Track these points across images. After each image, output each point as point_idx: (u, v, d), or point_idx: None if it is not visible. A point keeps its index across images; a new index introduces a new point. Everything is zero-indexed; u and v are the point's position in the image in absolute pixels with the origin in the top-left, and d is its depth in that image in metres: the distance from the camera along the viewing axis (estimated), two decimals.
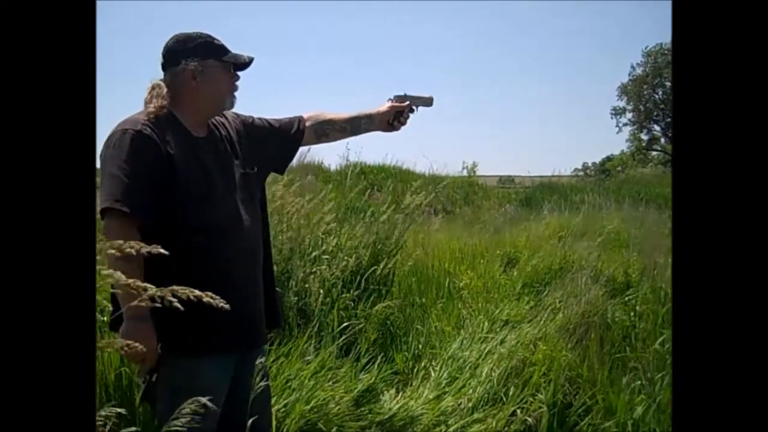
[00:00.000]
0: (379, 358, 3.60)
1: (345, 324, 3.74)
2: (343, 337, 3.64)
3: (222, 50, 2.04)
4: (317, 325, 3.63)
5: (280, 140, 2.29)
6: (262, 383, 2.12)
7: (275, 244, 3.91)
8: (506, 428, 3.10)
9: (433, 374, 3.60)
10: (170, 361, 1.89)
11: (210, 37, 2.04)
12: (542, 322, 4.24)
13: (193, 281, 1.92)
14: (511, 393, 3.27)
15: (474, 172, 19.38)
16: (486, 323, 4.31)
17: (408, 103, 2.45)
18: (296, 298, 3.80)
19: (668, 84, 34.18)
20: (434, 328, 4.23)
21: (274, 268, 3.64)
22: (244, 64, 2.10)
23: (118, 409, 1.45)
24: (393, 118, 2.45)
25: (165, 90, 1.97)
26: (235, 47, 2.09)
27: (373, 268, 4.29)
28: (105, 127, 1.92)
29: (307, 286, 3.90)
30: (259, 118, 2.29)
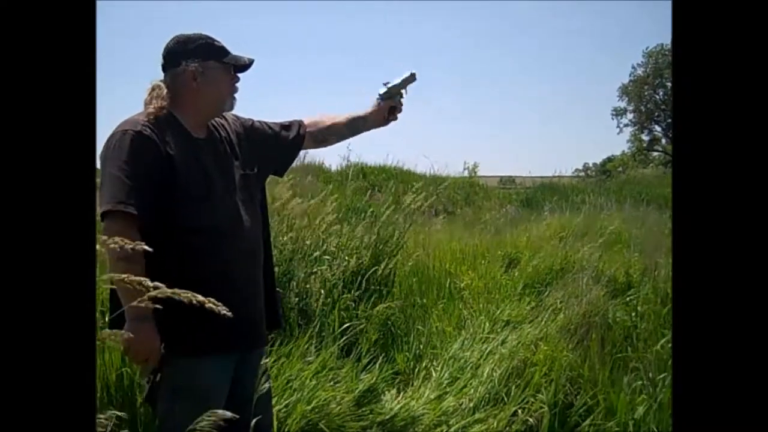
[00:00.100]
0: (380, 358, 3.60)
1: (346, 324, 3.74)
2: (344, 338, 3.64)
3: (222, 52, 2.05)
4: (318, 326, 3.64)
5: (279, 144, 2.30)
6: (266, 384, 2.12)
7: (276, 244, 3.91)
8: (507, 428, 3.10)
9: (434, 374, 3.60)
10: (171, 362, 1.89)
11: (210, 38, 2.04)
12: (543, 322, 4.24)
13: (193, 282, 1.93)
14: (512, 393, 3.27)
15: (475, 172, 19.39)
16: (487, 323, 4.31)
17: (398, 97, 2.45)
18: (297, 299, 3.81)
19: (669, 84, 34.16)
20: (435, 328, 4.23)
21: (276, 268, 3.65)
22: (245, 65, 2.10)
23: (119, 413, 1.45)
24: (388, 114, 2.45)
25: (165, 91, 1.97)
26: (235, 48, 2.09)
27: (374, 269, 4.29)
28: (105, 127, 1.92)
29: (308, 286, 3.91)
30: (259, 121, 2.29)
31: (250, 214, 2.07)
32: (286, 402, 2.84)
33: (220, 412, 1.54)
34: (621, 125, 39.22)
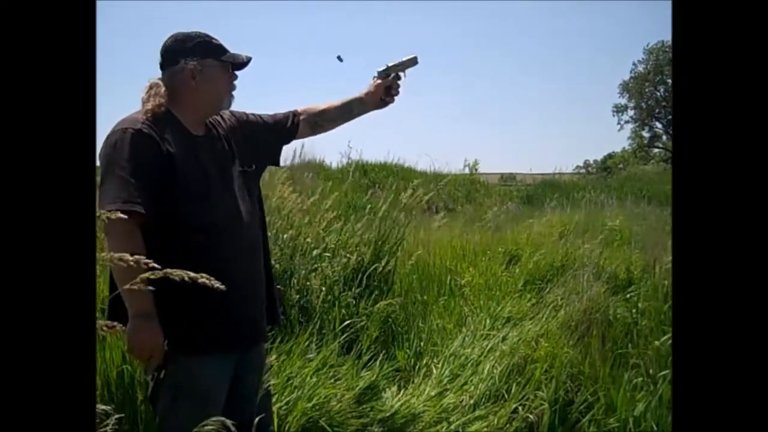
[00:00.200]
0: (381, 355, 3.60)
1: (347, 322, 3.74)
2: (345, 335, 3.64)
3: (220, 50, 2.05)
4: (319, 323, 3.64)
5: (274, 135, 2.30)
6: (265, 382, 2.13)
7: (277, 242, 3.92)
8: (508, 425, 3.10)
9: (434, 371, 3.60)
10: (172, 360, 1.90)
11: (208, 36, 2.04)
12: (544, 319, 4.24)
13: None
14: (512, 390, 3.27)
15: (476, 169, 19.38)
16: (488, 320, 4.31)
17: (393, 76, 2.43)
18: (298, 296, 3.81)
19: (670, 81, 34.12)
20: (436, 325, 4.23)
21: (276, 266, 3.65)
22: (242, 63, 2.10)
23: (115, 415, 1.45)
24: (384, 94, 2.43)
25: (163, 89, 1.97)
26: (235, 47, 2.09)
27: (374, 266, 4.28)
28: (105, 127, 1.92)
29: (308, 283, 3.91)
30: (253, 114, 2.29)
31: (249, 210, 2.07)
32: (287, 399, 2.84)
33: (223, 419, 1.53)
34: (622, 122, 39.25)
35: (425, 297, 4.69)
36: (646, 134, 39.04)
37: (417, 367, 3.71)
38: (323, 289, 3.90)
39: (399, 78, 2.43)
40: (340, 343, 3.53)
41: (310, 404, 2.86)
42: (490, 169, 24.31)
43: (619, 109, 39.05)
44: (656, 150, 38.52)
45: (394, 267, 4.55)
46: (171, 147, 1.91)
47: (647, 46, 37.69)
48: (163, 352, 1.87)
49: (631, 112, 38.77)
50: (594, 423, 3.04)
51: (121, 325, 1.44)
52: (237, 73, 2.11)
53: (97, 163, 1.86)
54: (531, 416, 3.13)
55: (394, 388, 3.44)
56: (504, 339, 3.88)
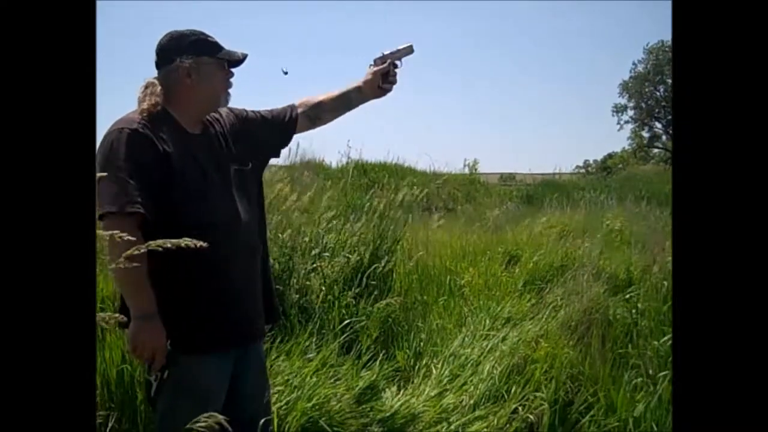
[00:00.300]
0: (381, 355, 3.60)
1: (346, 321, 3.74)
2: (345, 335, 3.64)
3: (216, 47, 2.04)
4: (318, 323, 3.64)
5: (273, 131, 2.28)
6: (263, 380, 2.13)
7: (276, 241, 3.92)
8: (508, 426, 3.10)
9: (434, 372, 3.59)
10: (171, 359, 1.90)
11: (203, 34, 2.03)
12: (544, 319, 4.24)
13: (192, 278, 1.94)
14: (512, 390, 3.27)
15: (475, 169, 19.37)
16: (487, 320, 4.30)
17: (389, 62, 2.42)
18: (297, 296, 3.81)
19: (670, 81, 34.12)
20: (435, 325, 4.22)
21: (275, 265, 3.65)
22: (238, 60, 2.09)
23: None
24: (381, 81, 2.42)
25: (159, 88, 1.97)
26: (235, 47, 2.08)
27: (374, 266, 4.28)
28: (105, 127, 1.92)
29: (308, 283, 3.91)
30: (252, 111, 2.28)
31: (246, 209, 2.07)
32: (287, 399, 2.84)
33: (217, 415, 1.53)
34: (621, 122, 39.20)
35: (425, 297, 4.68)
36: (645, 134, 39.04)
37: (417, 367, 3.70)
38: (323, 288, 3.90)
39: (396, 66, 2.42)
40: (340, 343, 3.53)
41: (309, 404, 2.86)
42: (490, 169, 24.33)
43: (618, 109, 39.05)
44: (656, 150, 38.52)
45: (393, 267, 4.55)
46: (167, 146, 1.91)
47: (647, 45, 37.67)
48: (166, 351, 1.87)
49: (630, 112, 38.76)
50: (594, 423, 3.04)
51: (121, 316, 1.44)
52: (234, 70, 2.11)
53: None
54: (531, 416, 3.12)
55: (394, 388, 3.43)
56: (504, 339, 3.88)
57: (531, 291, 5.11)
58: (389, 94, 2.44)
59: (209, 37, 2.04)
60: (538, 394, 3.22)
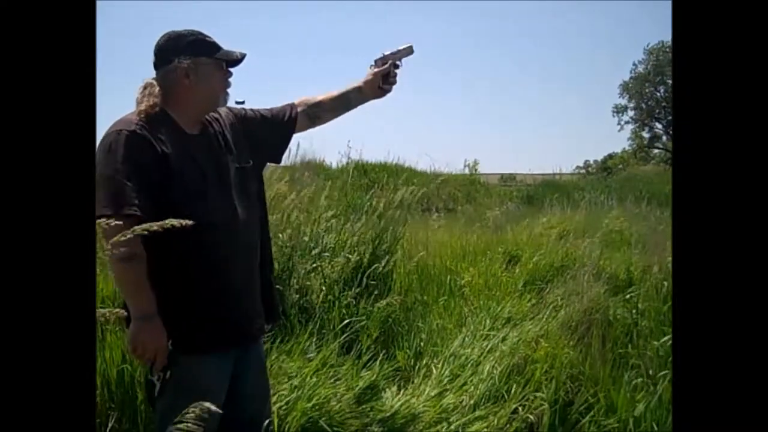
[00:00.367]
0: (381, 355, 3.60)
1: (346, 321, 3.74)
2: (345, 335, 3.64)
3: (214, 47, 2.03)
4: (319, 323, 3.64)
5: (273, 130, 2.28)
6: (263, 380, 2.12)
7: (276, 241, 3.91)
8: (508, 426, 3.10)
9: (434, 372, 3.59)
10: (171, 359, 1.90)
11: (201, 34, 2.03)
12: (544, 319, 4.24)
13: (191, 278, 1.94)
14: (512, 390, 3.26)
15: (475, 170, 19.38)
16: (488, 321, 4.30)
17: (390, 63, 2.42)
18: (298, 296, 3.81)
19: (670, 82, 34.09)
20: (436, 325, 4.22)
21: (276, 265, 3.64)
22: (237, 60, 2.09)
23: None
24: (381, 82, 2.42)
25: (157, 89, 1.96)
26: (235, 47, 2.08)
27: (374, 266, 4.28)
28: (105, 127, 1.92)
29: (308, 283, 3.91)
30: (251, 110, 2.27)
31: (246, 208, 2.06)
32: (287, 399, 2.84)
33: (206, 405, 1.51)
34: (622, 122, 39.19)
35: (425, 297, 4.69)
36: (646, 135, 39.03)
37: (417, 367, 3.71)
38: (323, 288, 3.90)
39: (396, 66, 2.42)
40: (340, 342, 3.53)
41: (309, 404, 2.86)
42: (490, 170, 24.32)
43: (619, 110, 39.03)
44: (656, 150, 38.50)
45: (393, 267, 4.55)
46: (166, 147, 1.91)
47: (647, 46, 37.67)
48: (167, 352, 1.87)
49: (631, 113, 38.75)
50: (594, 424, 3.04)
51: (121, 311, 1.44)
52: (233, 70, 2.10)
53: None
54: (531, 417, 3.12)
55: (394, 388, 3.43)
56: (504, 339, 3.88)
57: (531, 291, 5.11)
58: (389, 95, 2.45)
59: (207, 37, 2.04)
60: (538, 394, 3.22)
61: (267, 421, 2.06)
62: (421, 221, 6.82)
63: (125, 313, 1.75)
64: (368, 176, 13.87)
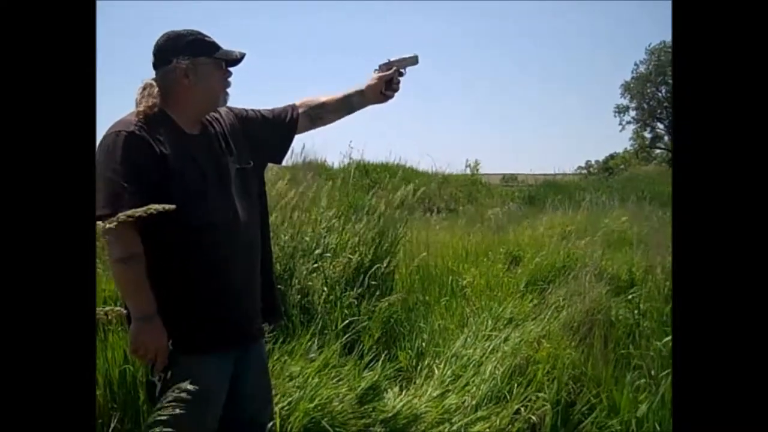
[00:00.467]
0: (383, 355, 3.60)
1: (347, 320, 3.74)
2: (347, 335, 3.63)
3: (213, 47, 2.03)
4: (320, 323, 3.64)
5: (274, 130, 2.27)
6: (264, 380, 2.12)
7: (277, 241, 3.91)
8: (510, 426, 3.10)
9: (436, 372, 3.59)
10: (171, 360, 1.90)
11: (201, 34, 2.02)
12: (546, 320, 4.23)
13: (191, 279, 1.94)
14: (514, 391, 3.26)
15: (477, 170, 19.36)
16: (489, 321, 4.30)
17: (394, 69, 2.43)
18: (299, 296, 3.81)
19: (672, 82, 34.03)
20: (438, 326, 4.22)
21: (277, 266, 3.64)
22: (236, 60, 2.08)
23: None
24: (384, 88, 2.42)
25: (156, 89, 1.96)
26: (235, 47, 2.08)
27: (376, 266, 4.28)
28: (105, 127, 1.92)
29: (310, 283, 3.90)
30: (252, 110, 2.27)
31: (246, 208, 2.06)
32: (289, 400, 2.84)
33: (184, 386, 1.53)
34: (623, 122, 39.21)
35: (427, 297, 4.68)
36: (647, 135, 39.02)
37: (419, 367, 3.71)
38: (325, 289, 3.90)
39: (400, 74, 2.43)
40: (342, 343, 3.53)
41: (312, 405, 2.86)
42: (492, 170, 24.29)
43: (620, 110, 39.04)
44: (658, 151, 38.49)
45: (395, 267, 4.55)
46: (165, 148, 1.90)
47: (649, 46, 37.69)
48: (168, 352, 1.87)
49: (632, 113, 38.77)
50: (596, 424, 3.04)
51: (121, 309, 1.44)
52: (233, 70, 2.10)
53: None
54: (533, 417, 3.12)
55: (396, 389, 3.43)
56: (506, 340, 3.87)
57: (533, 292, 5.10)
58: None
59: (206, 37, 2.03)
60: (540, 394, 3.22)
61: (258, 418, 2.06)
62: (423, 222, 6.82)
63: (125, 312, 1.75)
64: (370, 176, 13.86)
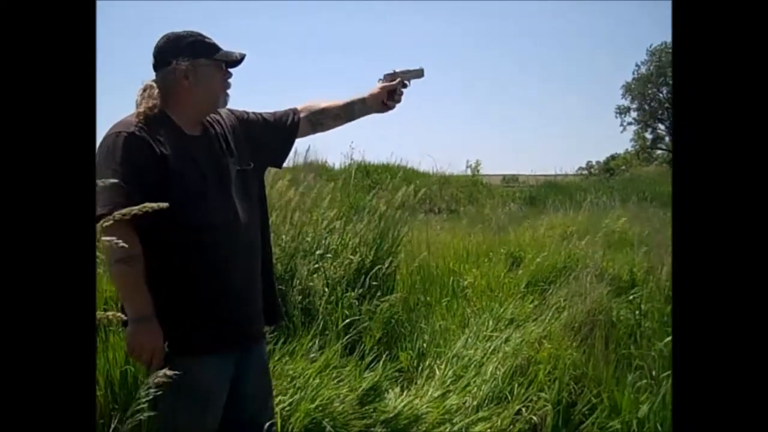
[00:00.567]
0: (384, 356, 3.60)
1: (348, 320, 3.74)
2: (348, 336, 3.63)
3: (213, 48, 2.03)
4: (321, 324, 3.64)
5: (275, 134, 2.28)
6: (264, 381, 2.12)
7: (278, 242, 3.92)
8: (511, 427, 3.10)
9: (437, 372, 3.59)
10: (172, 361, 1.90)
11: (200, 35, 2.03)
12: (547, 320, 4.23)
13: (192, 280, 1.94)
14: (515, 391, 3.26)
15: (478, 170, 19.35)
16: (491, 322, 4.29)
17: (399, 80, 2.43)
18: (300, 297, 3.81)
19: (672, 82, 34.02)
20: (439, 326, 4.22)
21: (278, 266, 3.65)
22: (236, 61, 2.08)
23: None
24: (387, 98, 2.42)
25: (156, 90, 1.96)
26: (235, 48, 2.08)
27: (377, 267, 4.28)
28: (105, 127, 1.92)
29: (311, 284, 3.91)
30: (254, 113, 2.28)
31: (247, 210, 2.06)
32: (290, 400, 2.84)
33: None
34: (624, 123, 39.25)
35: (428, 298, 4.68)
36: (648, 136, 39.04)
37: (420, 368, 3.70)
38: (326, 289, 3.90)
39: (404, 86, 2.44)
40: (343, 344, 3.53)
41: (313, 405, 2.87)
42: (492, 171, 24.28)
43: (621, 111, 39.08)
44: (659, 152, 38.50)
45: (396, 268, 4.55)
46: (165, 149, 1.91)
47: (650, 47, 37.70)
48: (164, 353, 1.87)
49: (633, 114, 38.82)
50: (597, 425, 3.04)
51: (120, 315, 1.45)
52: (234, 71, 2.10)
53: None
54: (534, 418, 3.12)
55: (397, 389, 3.43)
56: (507, 340, 3.87)
57: (534, 292, 5.10)
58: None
59: (206, 38, 2.03)
60: (541, 395, 3.22)
61: (259, 418, 2.06)
62: (424, 222, 6.81)
63: (124, 317, 1.75)
64: (371, 177, 13.87)
